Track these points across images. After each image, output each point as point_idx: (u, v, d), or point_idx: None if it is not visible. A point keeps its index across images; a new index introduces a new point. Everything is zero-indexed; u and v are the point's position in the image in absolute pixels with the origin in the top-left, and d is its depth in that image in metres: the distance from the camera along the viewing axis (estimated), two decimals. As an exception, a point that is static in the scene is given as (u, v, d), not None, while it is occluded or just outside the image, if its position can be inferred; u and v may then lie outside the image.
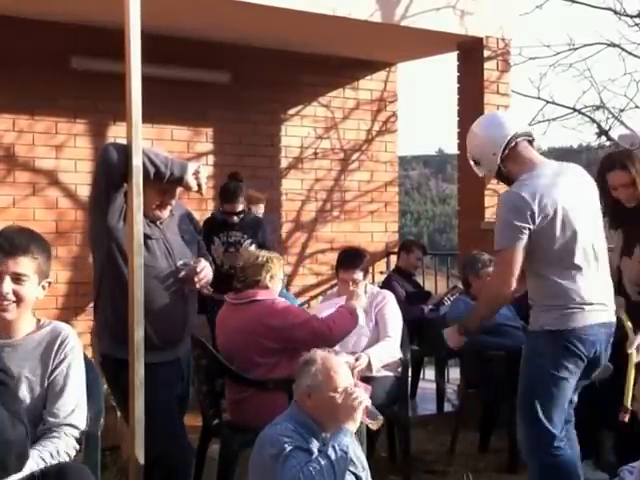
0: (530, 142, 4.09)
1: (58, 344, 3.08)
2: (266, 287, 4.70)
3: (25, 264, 2.98)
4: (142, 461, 3.52)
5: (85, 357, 3.25)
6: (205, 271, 3.88)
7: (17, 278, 2.98)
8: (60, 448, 2.97)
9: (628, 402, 4.24)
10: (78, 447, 3.08)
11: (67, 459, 2.99)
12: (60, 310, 6.79)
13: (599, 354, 4.04)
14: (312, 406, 3.49)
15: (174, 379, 3.97)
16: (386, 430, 5.54)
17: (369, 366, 5.01)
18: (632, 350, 4.38)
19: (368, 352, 5.06)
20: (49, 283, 3.12)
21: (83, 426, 3.08)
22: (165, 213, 3.91)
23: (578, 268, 3.93)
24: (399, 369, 5.30)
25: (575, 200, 3.99)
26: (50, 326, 3.14)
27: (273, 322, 4.54)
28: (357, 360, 4.94)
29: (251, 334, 4.55)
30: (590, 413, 5.22)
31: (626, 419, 4.24)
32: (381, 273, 8.38)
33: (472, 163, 4.20)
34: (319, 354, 3.56)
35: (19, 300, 3.00)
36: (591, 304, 3.94)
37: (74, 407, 3.05)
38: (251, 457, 3.53)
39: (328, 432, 3.47)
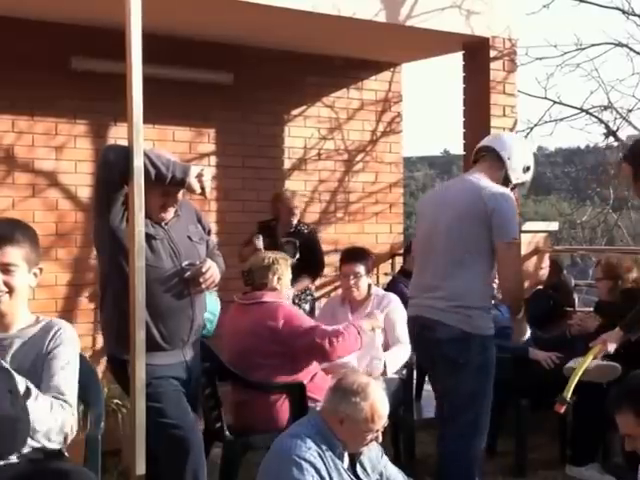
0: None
1: (52, 333, 3.10)
2: (274, 289, 4.67)
3: (12, 253, 2.99)
4: (143, 466, 3.47)
5: (86, 360, 3.26)
6: (211, 271, 3.84)
7: (6, 269, 2.99)
8: (55, 405, 2.95)
9: (568, 394, 4.26)
10: (74, 424, 3.04)
11: (64, 423, 2.96)
12: (60, 312, 6.74)
13: None
14: (339, 429, 3.48)
15: (181, 381, 3.92)
16: (391, 433, 5.50)
17: (384, 370, 5.00)
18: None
19: (384, 356, 5.03)
20: (40, 270, 3.12)
21: (75, 405, 3.06)
22: (169, 214, 3.88)
23: None
24: (404, 371, 5.28)
25: None
26: (46, 320, 3.16)
27: (277, 325, 4.52)
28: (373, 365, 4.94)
29: (255, 336, 4.56)
30: (598, 415, 5.19)
31: (562, 410, 4.31)
32: (386, 274, 8.33)
33: None
34: (371, 390, 3.50)
35: (11, 290, 3.01)
36: None
37: (67, 388, 3.05)
38: (265, 464, 3.51)
39: (342, 446, 3.50)
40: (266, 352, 4.54)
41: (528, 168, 4.42)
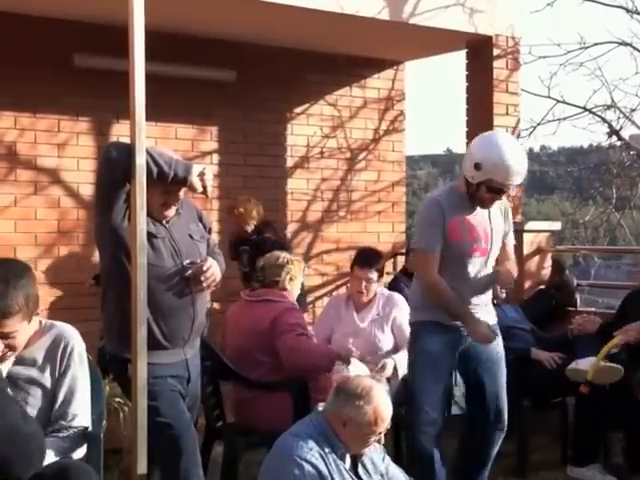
0: None
1: (62, 347, 3.14)
2: (284, 289, 4.66)
3: (10, 324, 2.95)
4: (145, 465, 3.44)
5: (88, 359, 3.28)
6: (212, 270, 3.81)
7: (5, 336, 2.96)
8: (69, 446, 3.07)
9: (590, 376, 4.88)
10: (85, 448, 3.17)
11: (74, 457, 3.09)
12: (62, 310, 6.71)
13: None
14: (342, 431, 3.46)
15: (181, 380, 3.90)
16: (392, 433, 5.48)
17: (395, 372, 5.01)
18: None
19: (395, 358, 5.05)
20: (40, 311, 3.16)
21: (89, 426, 3.16)
22: (170, 212, 3.85)
23: None
24: (406, 371, 5.24)
25: None
26: (53, 329, 3.18)
27: (279, 322, 4.54)
28: (382, 368, 4.93)
29: (257, 333, 4.55)
30: (599, 416, 5.18)
31: (586, 391, 4.88)
32: (387, 274, 8.28)
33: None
34: (375, 393, 3.47)
35: (12, 349, 3.02)
36: None
37: (82, 410, 3.14)
38: (267, 463, 3.50)
39: (346, 449, 3.48)
40: (267, 349, 4.53)
41: (477, 164, 4.23)
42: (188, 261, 3.83)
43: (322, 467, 3.34)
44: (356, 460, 3.54)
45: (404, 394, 5.19)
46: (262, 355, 4.54)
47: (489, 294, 4.55)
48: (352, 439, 3.46)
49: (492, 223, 4.44)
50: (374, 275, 5.25)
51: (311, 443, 3.37)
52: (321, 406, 3.58)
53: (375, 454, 3.62)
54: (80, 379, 3.18)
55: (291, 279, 4.71)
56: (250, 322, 4.60)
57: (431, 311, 4.43)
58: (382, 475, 3.62)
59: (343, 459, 3.47)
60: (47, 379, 3.13)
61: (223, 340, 4.86)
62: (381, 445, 3.60)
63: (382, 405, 3.45)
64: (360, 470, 3.54)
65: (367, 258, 5.35)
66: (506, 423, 4.57)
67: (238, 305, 4.83)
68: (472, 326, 4.33)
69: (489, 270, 4.44)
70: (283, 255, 4.78)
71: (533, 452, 5.62)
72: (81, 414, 3.16)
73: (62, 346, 3.14)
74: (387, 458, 3.72)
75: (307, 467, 3.31)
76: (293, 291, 4.76)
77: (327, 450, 3.40)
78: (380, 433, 3.47)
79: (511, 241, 4.62)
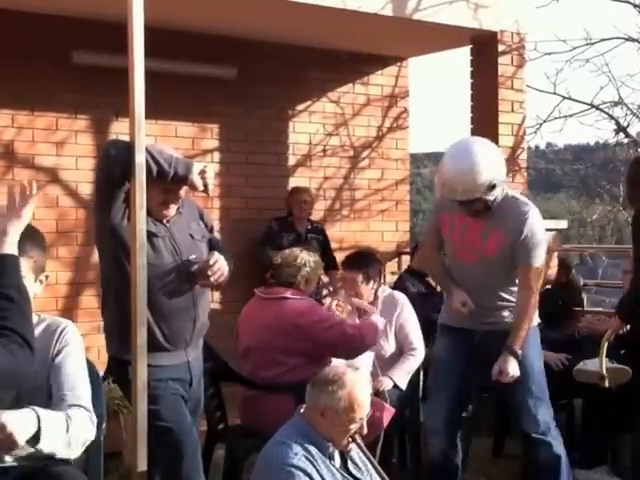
0: None
1: (58, 332, 3.11)
2: (299, 289, 4.59)
3: (21, 265, 2.94)
4: (144, 467, 3.43)
5: (87, 361, 3.23)
6: (219, 264, 3.76)
7: None
8: (74, 419, 2.96)
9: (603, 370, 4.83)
10: (94, 429, 3.07)
11: (83, 435, 2.99)
12: (61, 311, 6.71)
13: None
14: (321, 423, 3.43)
15: (183, 382, 3.88)
16: (397, 435, 5.44)
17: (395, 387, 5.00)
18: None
19: (392, 375, 5.01)
20: (46, 277, 3.13)
21: (91, 408, 3.08)
22: (171, 212, 3.82)
23: None
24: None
25: None
26: (50, 319, 3.17)
27: (303, 321, 4.47)
28: (379, 384, 4.89)
29: (278, 332, 4.48)
30: (606, 418, 5.13)
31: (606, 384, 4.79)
32: (392, 274, 8.25)
33: (485, 187, 4.12)
34: (348, 378, 3.45)
35: None
36: None
37: (81, 390, 3.07)
38: (255, 475, 3.48)
39: (332, 446, 3.44)
40: (289, 350, 4.46)
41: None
42: (194, 256, 3.80)
43: (311, 470, 3.32)
44: (345, 457, 3.51)
45: (409, 396, 5.15)
46: (284, 356, 4.47)
47: (500, 302, 4.39)
48: (333, 429, 3.42)
49: (489, 238, 4.28)
50: (358, 277, 5.09)
51: (296, 447, 3.36)
52: (302, 408, 3.56)
53: (360, 452, 3.60)
54: (78, 362, 3.12)
55: (307, 281, 4.63)
56: (267, 320, 4.53)
57: (443, 312, 4.52)
58: (368, 471, 3.59)
59: (332, 458, 3.45)
60: (38, 361, 3.00)
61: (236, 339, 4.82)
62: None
63: (357, 389, 3.42)
64: (350, 466, 3.52)
65: (351, 259, 5.25)
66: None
67: (252, 303, 4.77)
68: (448, 299, 4.40)
69: (490, 281, 4.32)
70: (302, 255, 4.69)
71: (540, 454, 5.56)
72: (82, 395, 3.08)
73: (57, 331, 3.11)
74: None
75: (297, 472, 3.29)
76: (307, 292, 4.70)
77: (314, 452, 3.38)
78: (361, 420, 3.43)
79: (525, 267, 4.26)
